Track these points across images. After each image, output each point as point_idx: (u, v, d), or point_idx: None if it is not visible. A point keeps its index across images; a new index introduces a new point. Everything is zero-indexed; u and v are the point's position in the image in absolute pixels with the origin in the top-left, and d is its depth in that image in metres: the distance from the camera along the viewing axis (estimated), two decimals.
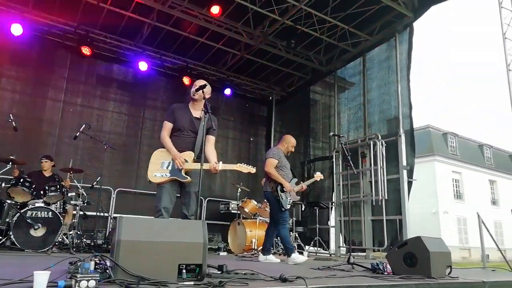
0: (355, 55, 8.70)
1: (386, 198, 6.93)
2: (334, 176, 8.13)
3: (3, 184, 5.34)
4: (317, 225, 7.54)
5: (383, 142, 7.24)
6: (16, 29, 7.12)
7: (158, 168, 3.62)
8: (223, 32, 8.12)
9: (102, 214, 6.67)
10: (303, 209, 8.61)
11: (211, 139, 3.83)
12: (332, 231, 8.09)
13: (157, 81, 9.38)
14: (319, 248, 7.42)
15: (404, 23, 7.45)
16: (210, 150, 3.78)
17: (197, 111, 3.81)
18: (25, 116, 7.33)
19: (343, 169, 7.82)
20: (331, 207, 8.25)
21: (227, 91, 9.67)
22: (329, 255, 7.26)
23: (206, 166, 3.54)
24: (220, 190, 9.47)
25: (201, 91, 3.74)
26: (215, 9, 7.11)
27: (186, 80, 8.95)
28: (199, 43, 8.71)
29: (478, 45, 77.02)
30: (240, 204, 7.52)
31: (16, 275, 2.12)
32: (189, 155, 3.64)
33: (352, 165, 4.61)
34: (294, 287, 2.45)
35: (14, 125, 5.34)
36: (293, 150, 5.47)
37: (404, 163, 6.83)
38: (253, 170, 3.81)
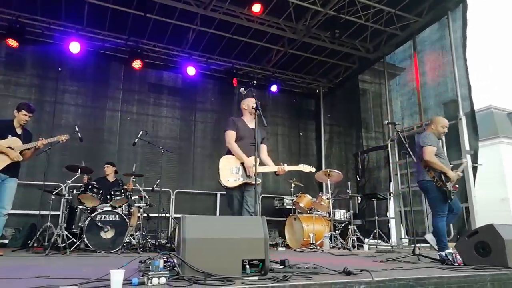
0: (404, 39, 8.33)
1: None
2: (391, 165, 7.84)
3: (74, 191, 5.77)
4: (376, 217, 7.30)
5: None
6: (75, 47, 7.66)
7: (230, 173, 4.01)
8: (265, 29, 8.13)
9: (163, 215, 6.98)
10: (359, 201, 8.40)
11: (265, 148, 4.36)
12: (392, 223, 7.81)
13: (205, 84, 9.64)
14: (379, 241, 7.20)
15: None
16: (266, 156, 4.32)
17: (251, 123, 4.22)
18: (88, 127, 7.85)
19: (400, 158, 7.53)
20: (389, 198, 7.98)
21: (273, 88, 9.67)
22: (390, 247, 7.01)
23: (274, 168, 4.16)
24: (273, 187, 9.51)
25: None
26: (256, 8, 7.15)
27: (233, 81, 9.18)
28: (242, 43, 8.81)
29: None
30: (294, 200, 7.51)
31: (92, 274, 2.29)
32: (256, 159, 3.83)
33: (411, 153, 4.41)
34: (359, 280, 2.39)
35: (79, 136, 5.72)
36: (445, 130, 4.87)
37: (467, 147, 6.43)
38: (313, 169, 4.34)
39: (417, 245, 4.19)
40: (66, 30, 7.89)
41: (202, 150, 9.18)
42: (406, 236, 7.48)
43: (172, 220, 7.62)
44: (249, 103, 4.25)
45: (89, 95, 8.36)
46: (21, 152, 4.75)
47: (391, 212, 7.88)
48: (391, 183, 7.96)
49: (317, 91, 10.87)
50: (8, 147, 4.65)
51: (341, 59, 9.62)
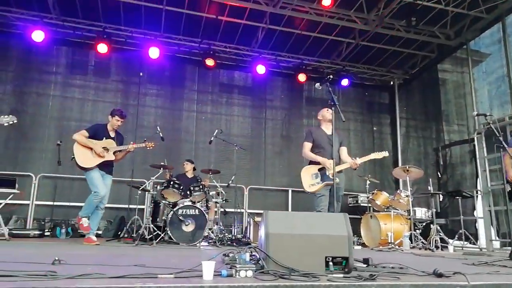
0: (490, 21, 7.57)
1: None
2: (478, 161, 7.19)
3: (158, 187, 6.19)
4: (461, 217, 6.74)
5: None
6: (154, 53, 8.20)
7: (310, 180, 4.55)
8: (335, 22, 7.95)
9: (238, 210, 7.20)
10: (441, 199, 7.84)
11: (344, 149, 4.79)
12: (481, 223, 7.16)
13: (275, 82, 9.73)
14: (465, 242, 6.64)
15: None
16: (345, 156, 4.73)
17: (328, 130, 4.69)
18: (167, 127, 8.34)
19: (494, 151, 6.86)
20: (476, 196, 7.33)
21: (344, 82, 9.42)
22: (479, 249, 6.46)
23: (347, 164, 4.53)
24: (347, 184, 9.15)
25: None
26: (326, 1, 7.00)
27: (301, 78, 9.13)
28: (311, 38, 8.71)
29: None
30: (370, 197, 7.25)
31: (181, 265, 2.43)
32: (331, 162, 4.32)
33: (506, 146, 4.01)
34: (452, 283, 2.24)
35: (161, 135, 6.12)
36: None
37: None
38: (386, 154, 4.64)
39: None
40: (146, 37, 8.48)
41: (272, 147, 9.29)
42: (497, 238, 6.82)
43: (247, 215, 7.83)
44: (324, 114, 4.79)
45: (167, 97, 8.92)
46: (114, 153, 5.29)
47: (479, 212, 7.24)
48: (478, 179, 7.30)
49: (391, 83, 10.36)
50: (103, 147, 5.20)
51: (418, 48, 9.05)
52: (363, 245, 6.99)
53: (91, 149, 5.13)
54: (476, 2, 7.27)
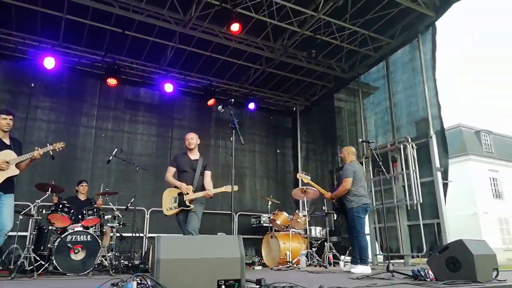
0: (377, 59, 8.61)
1: (421, 202, 6.74)
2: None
3: (43, 211, 5.55)
4: None
5: (414, 145, 7.08)
6: (49, 63, 7.52)
7: (168, 203, 4.83)
8: (244, 48, 8.24)
9: (137, 234, 6.80)
10: (335, 218, 8.47)
11: (208, 173, 5.06)
12: (367, 239, 7.87)
13: (183, 101, 9.63)
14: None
15: (426, 23, 7.33)
16: (207, 181, 4.98)
17: (194, 155, 5.09)
18: None
19: (374, 175, 7.68)
20: None
21: (251, 106, 9.75)
22: None
23: (203, 193, 4.79)
24: (250, 204, 9.47)
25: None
26: (235, 27, 7.25)
27: (210, 102, 9.24)
28: (221, 61, 8.87)
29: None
30: (271, 217, 7.48)
31: None
32: (190, 188, 4.78)
33: (384, 170, 4.52)
34: None
35: (51, 153, 5.54)
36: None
37: (437, 164, 6.64)
38: (236, 188, 4.65)
39: (391, 261, 4.25)
40: (41, 45, 7.75)
41: None
42: (381, 253, 7.57)
43: (146, 240, 7.44)
44: (185, 141, 5.11)
45: (62, 111, 8.17)
46: (16, 165, 4.32)
47: (366, 229, 7.96)
48: None
49: (294, 109, 11.04)
50: (4, 161, 4.21)
51: (318, 78, 9.83)
52: (264, 265, 7.14)
53: None
54: (366, 41, 8.22)
